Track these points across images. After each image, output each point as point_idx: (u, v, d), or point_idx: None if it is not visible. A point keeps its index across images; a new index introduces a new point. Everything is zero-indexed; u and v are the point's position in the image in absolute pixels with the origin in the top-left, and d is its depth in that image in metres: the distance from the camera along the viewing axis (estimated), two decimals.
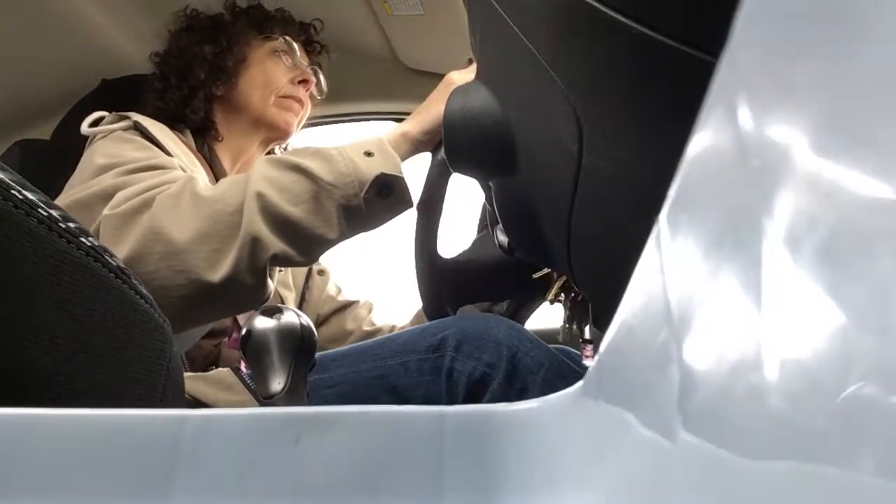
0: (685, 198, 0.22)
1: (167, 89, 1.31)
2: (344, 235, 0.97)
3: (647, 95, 0.45)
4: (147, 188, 0.96)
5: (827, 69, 0.15)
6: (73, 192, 1.02)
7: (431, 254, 1.15)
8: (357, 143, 0.99)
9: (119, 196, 0.95)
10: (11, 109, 1.56)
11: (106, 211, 0.93)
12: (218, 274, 0.89)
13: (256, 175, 0.95)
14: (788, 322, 0.15)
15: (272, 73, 1.32)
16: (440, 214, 1.15)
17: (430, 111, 1.03)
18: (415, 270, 1.16)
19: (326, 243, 0.96)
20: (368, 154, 0.96)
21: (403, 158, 1.00)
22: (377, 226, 1.01)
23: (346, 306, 1.46)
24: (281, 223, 0.92)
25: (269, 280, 0.95)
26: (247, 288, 0.92)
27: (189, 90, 1.30)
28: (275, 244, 0.91)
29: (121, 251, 0.90)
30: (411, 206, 1.01)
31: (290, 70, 1.34)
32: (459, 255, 1.17)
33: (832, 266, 0.14)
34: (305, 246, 0.95)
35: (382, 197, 0.97)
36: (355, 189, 0.94)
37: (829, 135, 0.15)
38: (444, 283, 1.12)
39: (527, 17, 0.52)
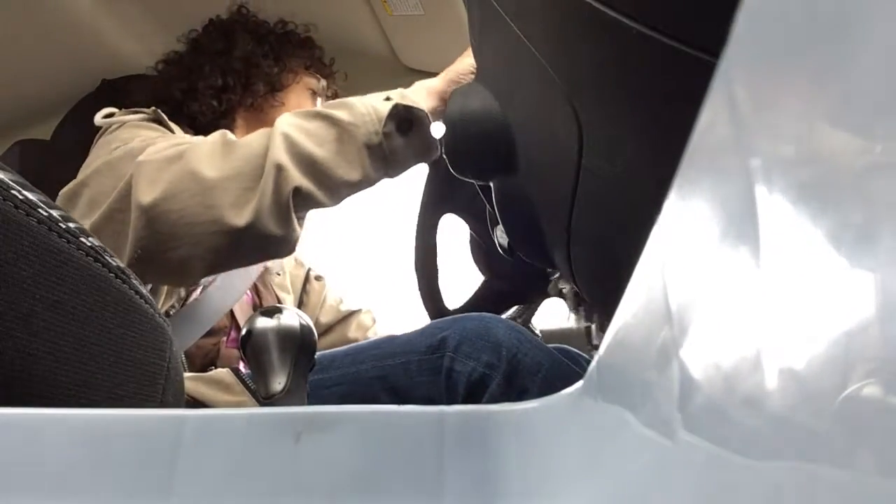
0: (685, 197, 0.22)
1: (224, 90, 1.29)
2: (368, 177, 0.99)
3: (647, 95, 0.45)
4: (180, 142, 0.99)
5: (826, 69, 0.15)
6: (99, 160, 1.02)
7: (431, 250, 1.16)
8: (380, 93, 1.02)
9: (151, 148, 0.97)
10: (11, 109, 1.56)
11: (140, 157, 0.95)
12: (243, 217, 0.91)
13: (282, 122, 0.98)
14: (788, 322, 0.15)
15: (304, 108, 1.33)
16: (441, 213, 1.16)
17: (455, 67, 1.05)
18: (414, 268, 1.17)
19: (350, 185, 0.98)
20: (388, 99, 1.00)
21: (430, 105, 1.02)
22: (401, 167, 1.02)
23: (349, 315, 1.47)
24: (306, 161, 0.95)
25: (294, 222, 0.96)
26: (272, 235, 0.94)
27: (239, 95, 1.29)
28: (298, 177, 0.93)
29: (153, 190, 0.92)
30: (435, 147, 1.03)
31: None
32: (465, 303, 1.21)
33: (832, 266, 0.14)
34: (329, 185, 0.97)
35: (402, 133, 0.99)
36: (375, 126, 0.97)
37: (829, 134, 0.15)
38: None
39: (527, 17, 0.52)
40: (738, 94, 0.18)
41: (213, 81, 1.29)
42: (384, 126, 0.97)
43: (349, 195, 1.01)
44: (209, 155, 0.94)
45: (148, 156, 0.95)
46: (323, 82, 1.38)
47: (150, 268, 0.97)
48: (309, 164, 0.95)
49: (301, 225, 0.99)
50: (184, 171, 0.92)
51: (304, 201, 0.96)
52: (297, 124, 0.97)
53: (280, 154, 0.93)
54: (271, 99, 1.31)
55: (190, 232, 0.91)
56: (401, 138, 0.99)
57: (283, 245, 0.97)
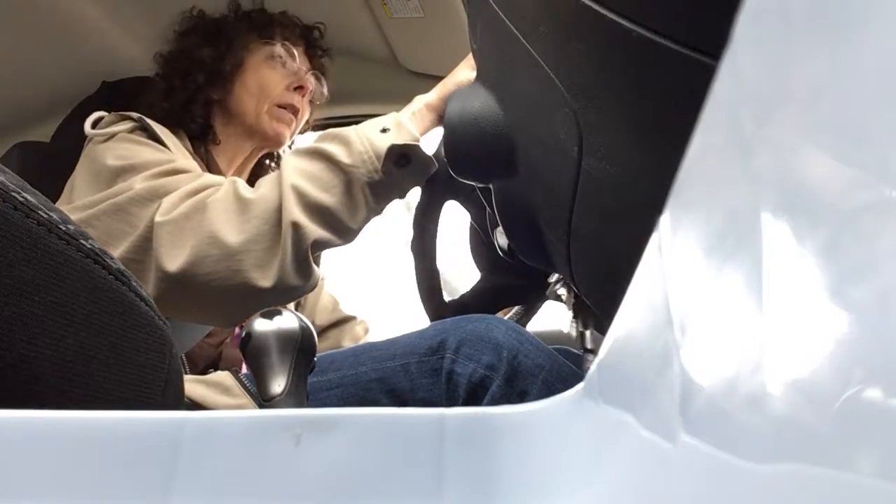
0: (686, 199, 0.22)
1: (172, 91, 1.30)
2: (375, 211, 1.02)
3: (646, 97, 0.45)
4: (193, 191, 1.00)
5: (827, 70, 0.15)
6: (104, 196, 1.03)
7: (431, 238, 1.16)
8: (376, 120, 1.04)
9: (167, 203, 0.98)
10: (11, 112, 1.55)
11: (158, 217, 0.97)
12: (269, 279, 0.95)
13: (288, 168, 1.00)
14: (789, 324, 0.15)
15: (267, 79, 1.31)
16: (443, 199, 1.15)
17: (452, 79, 1.06)
18: (412, 255, 1.16)
19: (360, 223, 1.02)
20: (384, 130, 1.01)
21: (427, 126, 1.04)
22: (405, 193, 1.06)
23: (344, 321, 1.47)
24: (317, 211, 0.97)
25: (314, 269, 1.00)
26: (296, 287, 0.99)
27: (189, 93, 1.29)
28: (314, 231, 0.97)
29: (179, 256, 0.94)
30: (433, 167, 1.04)
31: (288, 76, 1.32)
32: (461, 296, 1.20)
33: (833, 268, 0.14)
34: (341, 230, 1.00)
35: (400, 166, 1.01)
36: (374, 165, 0.99)
37: (830, 136, 0.15)
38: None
39: (526, 19, 0.52)
40: (739, 96, 0.18)
41: (185, 95, 1.30)
42: (382, 166, 0.99)
43: (361, 230, 1.04)
44: (226, 213, 0.97)
45: (165, 214, 0.97)
46: (279, 45, 1.33)
47: (174, 317, 1.02)
48: (320, 213, 0.98)
49: (318, 263, 1.04)
50: (205, 234, 0.95)
51: (321, 248, 1.01)
52: (302, 170, 0.99)
53: (294, 211, 0.96)
54: (232, 88, 1.30)
55: (219, 294, 0.96)
56: (399, 172, 1.01)
57: (305, 290, 1.03)
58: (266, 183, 1.01)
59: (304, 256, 0.97)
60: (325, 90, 1.41)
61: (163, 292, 0.95)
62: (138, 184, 1.02)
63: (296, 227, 0.95)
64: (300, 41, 1.38)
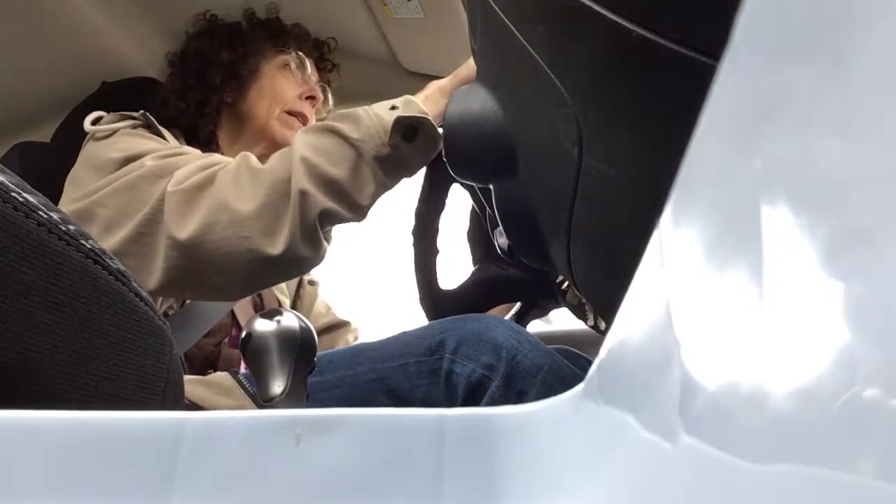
0: (686, 200, 0.22)
1: (187, 90, 1.32)
2: (385, 186, 1.03)
3: (646, 98, 0.45)
4: (205, 165, 1.02)
5: (828, 70, 0.15)
6: (114, 178, 1.04)
7: (431, 232, 1.16)
8: (386, 101, 1.05)
9: (179, 174, 1.00)
10: (11, 112, 1.55)
11: (170, 188, 0.98)
12: (277, 246, 0.96)
13: (299, 142, 1.02)
14: (790, 324, 0.15)
15: (281, 86, 1.34)
16: (448, 183, 1.15)
17: (467, 66, 1.06)
18: (413, 241, 1.16)
19: (370, 197, 1.03)
20: (393, 108, 1.03)
21: (440, 110, 1.04)
22: (414, 169, 1.07)
23: (337, 326, 1.47)
24: (326, 182, 0.98)
25: (322, 241, 1.01)
26: (304, 257, 1.00)
27: (205, 93, 1.31)
28: (322, 201, 0.98)
29: (190, 223, 0.95)
30: (441, 142, 1.04)
31: (299, 85, 1.36)
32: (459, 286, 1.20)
33: (834, 268, 0.14)
34: (350, 202, 1.01)
35: (408, 141, 1.02)
36: (382, 138, 1.00)
37: (831, 136, 0.15)
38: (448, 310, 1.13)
39: (526, 19, 0.52)
40: (740, 95, 0.18)
41: (199, 95, 1.31)
42: (390, 139, 0.99)
43: (371, 206, 1.05)
44: (236, 183, 0.98)
45: (176, 185, 0.98)
46: (294, 54, 1.38)
47: (184, 292, 1.03)
48: (329, 185, 0.98)
49: (328, 239, 1.04)
50: (215, 201, 0.96)
51: (330, 220, 1.01)
52: (311, 144, 1.01)
53: (302, 180, 0.97)
54: (247, 92, 1.32)
55: (227, 262, 0.96)
56: (408, 146, 1.02)
57: (313, 263, 1.04)
58: (277, 156, 1.03)
59: (313, 226, 0.98)
60: (331, 103, 1.44)
61: (172, 262, 0.96)
62: (149, 162, 1.03)
63: (303, 194, 0.96)
64: (312, 53, 1.42)
